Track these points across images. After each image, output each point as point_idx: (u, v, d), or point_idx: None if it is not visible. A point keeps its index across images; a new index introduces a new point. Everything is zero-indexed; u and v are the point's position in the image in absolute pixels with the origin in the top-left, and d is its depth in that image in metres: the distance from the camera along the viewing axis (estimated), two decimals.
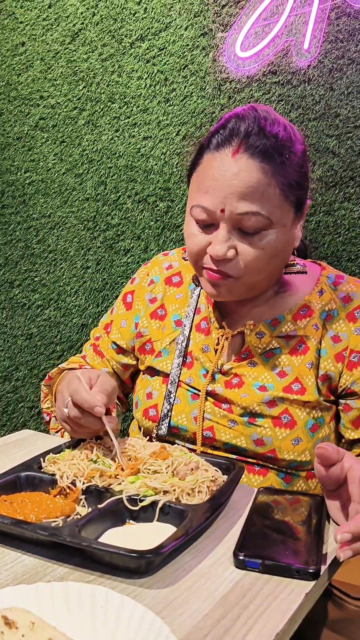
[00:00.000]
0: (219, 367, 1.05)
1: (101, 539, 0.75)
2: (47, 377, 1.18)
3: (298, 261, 1.04)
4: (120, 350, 1.18)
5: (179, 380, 1.07)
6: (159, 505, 0.78)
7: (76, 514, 0.80)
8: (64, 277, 1.93)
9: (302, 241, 1.17)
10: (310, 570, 0.69)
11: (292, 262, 1.03)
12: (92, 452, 0.91)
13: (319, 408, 1.02)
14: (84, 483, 0.83)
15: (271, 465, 1.01)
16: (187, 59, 1.65)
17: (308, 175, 0.98)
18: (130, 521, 0.79)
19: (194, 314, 1.11)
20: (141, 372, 1.17)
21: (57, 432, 1.19)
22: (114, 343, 1.18)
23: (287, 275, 1.06)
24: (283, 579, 0.70)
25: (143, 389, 1.13)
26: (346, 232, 1.51)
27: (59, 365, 1.20)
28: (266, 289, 1.03)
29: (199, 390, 1.05)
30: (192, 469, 0.86)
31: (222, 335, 1.06)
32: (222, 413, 1.03)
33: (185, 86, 1.65)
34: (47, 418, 1.20)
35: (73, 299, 1.92)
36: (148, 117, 1.72)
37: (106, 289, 1.87)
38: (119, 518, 0.79)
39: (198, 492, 0.82)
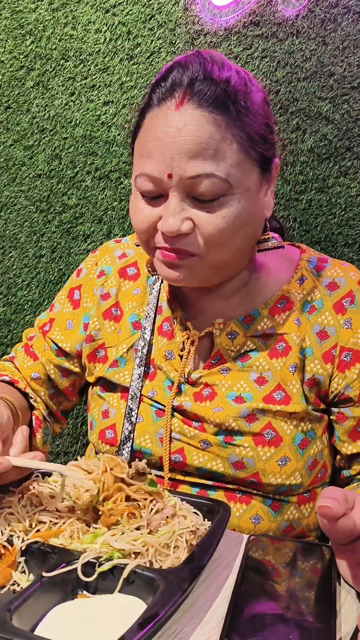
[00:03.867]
0: (185, 377, 0.99)
1: (45, 621, 0.62)
2: None
3: (272, 235, 0.97)
4: (61, 352, 1.11)
5: (141, 395, 0.99)
6: (125, 572, 0.65)
7: (13, 584, 0.68)
8: (14, 267, 1.88)
9: (275, 219, 1.12)
10: None
11: (265, 237, 0.96)
12: (36, 495, 0.78)
13: (308, 419, 0.96)
14: (23, 540, 0.71)
15: (255, 492, 0.94)
16: (153, 8, 1.58)
17: (273, 128, 0.93)
18: (84, 593, 0.67)
19: (155, 314, 1.04)
20: (91, 386, 1.08)
21: None
22: (55, 344, 1.11)
23: (261, 257, 1.00)
24: None
25: (98, 407, 1.04)
26: (342, 213, 1.46)
27: None
28: (236, 271, 0.97)
29: (164, 406, 0.97)
30: (167, 518, 0.74)
31: (188, 338, 0.99)
32: (192, 432, 0.96)
33: (152, 40, 1.60)
34: None
35: (25, 292, 1.87)
36: (109, 78, 1.67)
37: (63, 280, 1.82)
38: (70, 590, 0.67)
39: (174, 549, 0.70)
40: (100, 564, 0.67)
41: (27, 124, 1.79)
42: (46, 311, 1.16)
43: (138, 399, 0.99)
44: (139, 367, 1.00)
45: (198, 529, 0.74)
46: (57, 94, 1.74)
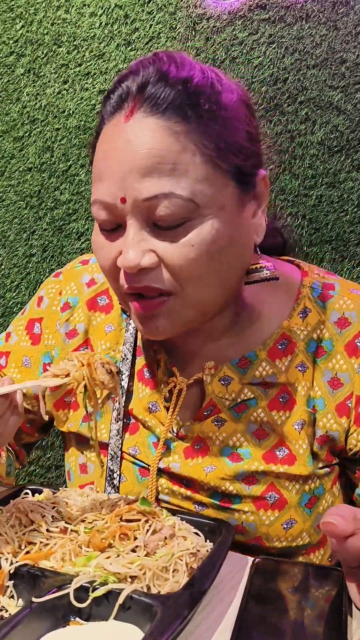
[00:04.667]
0: (174, 431, 0.92)
1: None
2: None
3: (265, 262, 0.87)
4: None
5: (122, 451, 0.94)
6: (121, 598, 0.65)
7: (0, 609, 0.68)
8: (2, 267, 1.89)
9: (279, 233, 1.02)
10: None
11: (255, 266, 0.86)
12: (26, 515, 0.78)
13: (316, 477, 0.90)
14: (11, 563, 0.71)
15: (258, 552, 0.88)
16: None
17: (255, 135, 0.83)
18: (77, 619, 0.67)
19: (134, 356, 0.96)
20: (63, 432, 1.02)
21: None
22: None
23: (254, 286, 0.88)
24: None
25: (74, 457, 0.99)
26: (354, 209, 1.47)
27: None
28: (221, 308, 0.87)
29: (149, 465, 0.92)
30: (165, 538, 0.74)
31: (174, 387, 0.91)
32: (185, 493, 0.90)
33: (151, 25, 1.60)
34: None
35: (14, 294, 1.88)
36: (105, 65, 1.67)
37: None
38: (62, 616, 0.67)
39: (173, 572, 0.70)
40: (94, 589, 0.67)
41: (16, 113, 1.79)
42: (2, 335, 1.06)
43: (119, 458, 0.93)
44: (117, 422, 0.94)
45: (199, 550, 0.74)
46: (49, 81, 1.74)
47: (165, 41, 1.57)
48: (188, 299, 0.80)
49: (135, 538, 0.75)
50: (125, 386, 0.94)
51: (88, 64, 1.69)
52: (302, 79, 1.45)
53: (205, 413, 0.90)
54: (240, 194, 0.81)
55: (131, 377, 0.95)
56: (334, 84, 1.43)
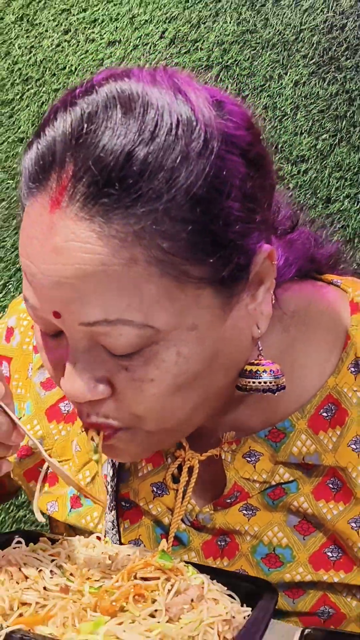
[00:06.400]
0: (188, 519, 0.90)
1: None
2: None
3: (267, 363, 0.80)
4: None
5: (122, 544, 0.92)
6: None
7: None
8: None
9: (310, 259, 0.93)
10: None
11: (252, 368, 0.80)
12: (19, 569, 0.79)
13: None
14: (1, 628, 0.71)
15: None
16: None
17: (245, 208, 0.73)
18: None
19: None
20: None
21: None
22: None
23: (280, 332, 0.84)
24: None
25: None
26: None
27: None
28: (210, 414, 0.83)
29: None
30: (192, 601, 0.74)
31: (183, 463, 0.89)
32: None
33: None
34: None
35: (0, 296, 1.90)
36: (115, 10, 1.70)
37: None
38: None
39: None
40: None
41: (5, 71, 1.82)
42: None
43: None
44: (111, 511, 0.91)
45: (234, 617, 0.74)
46: (46, 31, 1.77)
47: None
48: (154, 430, 0.77)
49: (154, 600, 0.75)
50: (117, 463, 0.92)
51: (94, 8, 1.71)
52: None
53: (229, 500, 0.88)
54: (225, 297, 0.74)
55: None
56: None
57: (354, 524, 0.84)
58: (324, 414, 0.85)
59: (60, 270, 0.68)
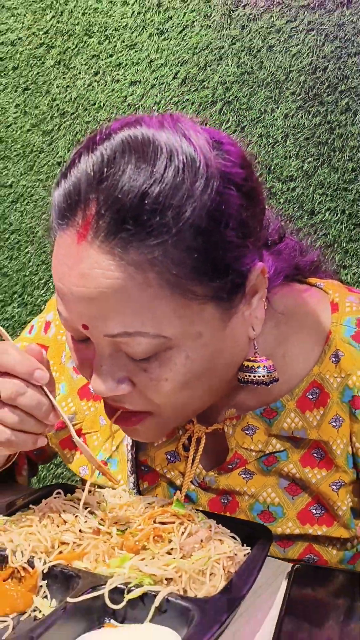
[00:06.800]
0: (197, 481, 0.89)
1: None
2: None
3: (262, 360, 0.80)
4: None
5: None
6: (157, 601, 0.65)
7: (34, 610, 0.68)
8: (31, 264, 1.91)
9: (294, 267, 0.91)
10: None
11: (250, 364, 0.80)
12: (59, 514, 0.79)
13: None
14: (45, 562, 0.71)
15: None
16: None
17: (241, 234, 0.73)
18: (112, 622, 0.67)
19: None
20: None
21: None
22: None
23: (272, 326, 0.82)
24: None
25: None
26: None
27: None
28: (215, 399, 0.83)
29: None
30: (201, 541, 0.74)
31: (192, 435, 0.88)
32: None
33: (185, 13, 1.62)
34: None
35: (42, 292, 1.89)
36: (137, 56, 1.69)
37: None
38: (96, 618, 0.67)
39: (210, 576, 0.70)
40: (130, 591, 0.66)
41: (46, 106, 1.81)
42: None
43: None
44: (132, 473, 0.91)
45: (236, 554, 0.74)
46: (79, 73, 1.76)
47: (200, 30, 1.58)
48: (169, 415, 0.78)
49: (170, 540, 0.75)
50: None
51: (119, 54, 1.70)
52: (343, 68, 1.44)
53: (231, 465, 0.87)
54: (225, 308, 0.74)
55: None
56: None
57: (334, 487, 0.84)
58: (310, 397, 0.84)
59: (86, 292, 0.68)
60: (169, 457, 0.90)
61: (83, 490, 0.87)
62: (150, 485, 0.91)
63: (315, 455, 0.85)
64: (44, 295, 1.87)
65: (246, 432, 0.86)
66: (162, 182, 0.67)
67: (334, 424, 0.83)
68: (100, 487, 0.94)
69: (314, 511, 0.85)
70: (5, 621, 0.66)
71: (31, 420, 0.75)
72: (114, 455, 0.94)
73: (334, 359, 0.83)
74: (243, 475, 0.87)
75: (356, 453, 0.83)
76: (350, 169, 1.46)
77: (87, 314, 0.70)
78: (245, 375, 0.79)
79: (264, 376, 0.78)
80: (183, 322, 0.71)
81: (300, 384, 0.84)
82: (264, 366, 0.79)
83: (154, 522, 0.78)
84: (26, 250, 1.90)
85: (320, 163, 1.48)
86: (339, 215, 1.48)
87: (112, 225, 0.67)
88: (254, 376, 0.79)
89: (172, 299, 0.69)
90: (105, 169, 0.68)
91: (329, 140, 1.46)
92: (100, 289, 0.68)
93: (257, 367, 0.79)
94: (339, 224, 1.48)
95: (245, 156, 0.75)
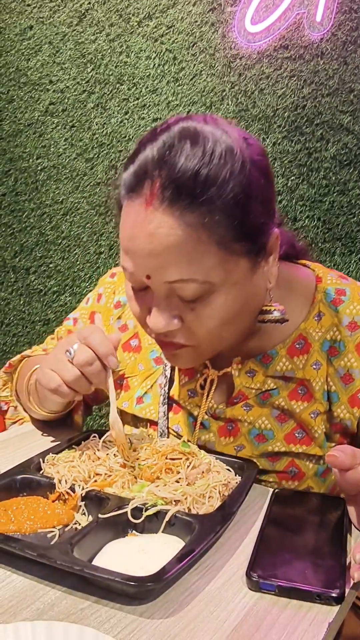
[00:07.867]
0: (209, 412, 0.89)
1: (101, 554, 0.64)
2: (7, 365, 1.03)
3: (276, 305, 0.81)
4: None
5: (168, 429, 0.92)
6: (167, 516, 0.66)
7: (75, 523, 0.70)
8: (78, 263, 1.91)
9: (292, 246, 0.93)
10: (333, 595, 0.57)
11: (267, 307, 0.80)
12: (94, 452, 0.80)
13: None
14: (83, 488, 0.73)
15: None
16: (195, 36, 1.58)
17: (269, 199, 0.75)
18: (134, 532, 0.68)
19: None
20: None
21: (13, 422, 1.05)
22: None
23: (275, 292, 0.81)
24: (302, 603, 0.57)
25: (129, 429, 0.98)
26: None
27: (22, 353, 1.05)
28: (240, 339, 0.84)
29: (190, 441, 0.88)
30: (202, 472, 0.74)
31: (207, 377, 0.88)
32: None
33: (195, 64, 1.59)
34: (5, 407, 1.05)
35: (87, 284, 1.90)
36: (157, 98, 1.67)
37: None
38: (121, 529, 0.68)
39: (209, 498, 0.71)
40: (147, 509, 0.68)
41: (88, 139, 1.80)
42: (71, 317, 1.03)
43: (166, 435, 0.92)
44: (164, 405, 0.91)
45: (230, 482, 0.74)
46: (113, 113, 1.75)
47: (206, 77, 1.56)
48: (206, 348, 0.78)
49: (178, 472, 0.75)
50: (169, 375, 0.92)
51: (144, 97, 1.68)
52: (318, 105, 1.42)
53: (235, 400, 0.87)
54: (253, 263, 0.74)
55: (173, 368, 0.92)
56: (344, 109, 1.40)
57: (312, 415, 0.84)
58: (297, 346, 0.85)
59: (152, 247, 0.69)
60: (190, 393, 0.91)
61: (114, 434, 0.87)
62: (174, 415, 0.91)
63: (299, 391, 0.85)
64: (88, 286, 1.88)
65: (248, 374, 0.86)
66: (210, 164, 0.68)
67: (314, 367, 0.84)
68: (137, 418, 0.94)
69: (296, 434, 0.85)
70: (53, 531, 0.68)
71: (86, 383, 0.78)
72: (148, 391, 0.94)
73: (316, 318, 0.84)
74: (244, 408, 0.87)
75: (329, 389, 0.83)
76: (324, 185, 1.45)
77: (151, 266, 0.70)
78: (265, 317, 0.80)
79: (279, 315, 0.79)
80: (225, 271, 0.71)
81: (291, 336, 0.85)
82: (278, 309, 0.79)
83: (166, 458, 0.78)
84: (74, 252, 1.89)
85: (300, 180, 1.47)
86: (315, 221, 1.47)
87: (173, 195, 0.67)
88: (272, 317, 0.79)
89: (217, 254, 0.69)
90: (167, 152, 0.68)
91: (307, 163, 1.45)
92: (167, 244, 0.68)
93: (273, 310, 0.79)
94: (315, 228, 1.47)
95: (264, 150, 0.76)
